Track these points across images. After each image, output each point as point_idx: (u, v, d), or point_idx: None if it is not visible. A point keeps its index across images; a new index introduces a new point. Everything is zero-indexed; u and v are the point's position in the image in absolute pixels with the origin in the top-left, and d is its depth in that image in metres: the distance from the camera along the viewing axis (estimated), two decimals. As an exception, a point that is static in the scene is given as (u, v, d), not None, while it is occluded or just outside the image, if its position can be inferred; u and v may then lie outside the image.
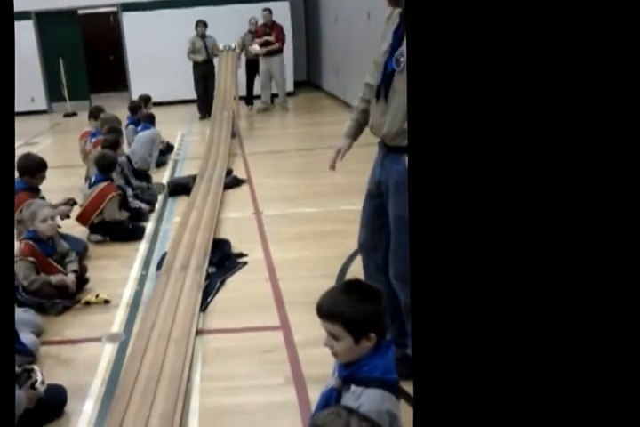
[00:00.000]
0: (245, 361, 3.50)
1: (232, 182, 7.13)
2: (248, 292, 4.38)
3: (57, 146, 10.55)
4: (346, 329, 2.08)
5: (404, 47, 2.52)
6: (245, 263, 4.86)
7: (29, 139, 10.91)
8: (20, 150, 9.81)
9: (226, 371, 3.42)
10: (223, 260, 4.89)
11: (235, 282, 4.58)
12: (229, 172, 7.52)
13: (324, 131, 10.18)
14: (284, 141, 9.93)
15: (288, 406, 3.01)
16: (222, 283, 4.54)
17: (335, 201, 6.25)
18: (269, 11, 11.80)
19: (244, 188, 7.05)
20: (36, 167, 5.13)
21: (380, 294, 2.14)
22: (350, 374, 2.13)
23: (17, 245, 4.41)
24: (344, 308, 2.11)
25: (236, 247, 5.15)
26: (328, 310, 2.12)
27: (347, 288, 2.20)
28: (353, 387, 2.08)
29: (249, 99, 12.35)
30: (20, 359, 3.31)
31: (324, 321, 2.12)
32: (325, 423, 1.64)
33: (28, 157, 5.18)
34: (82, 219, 5.54)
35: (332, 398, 2.15)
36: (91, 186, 5.77)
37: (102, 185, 5.65)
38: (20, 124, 12.39)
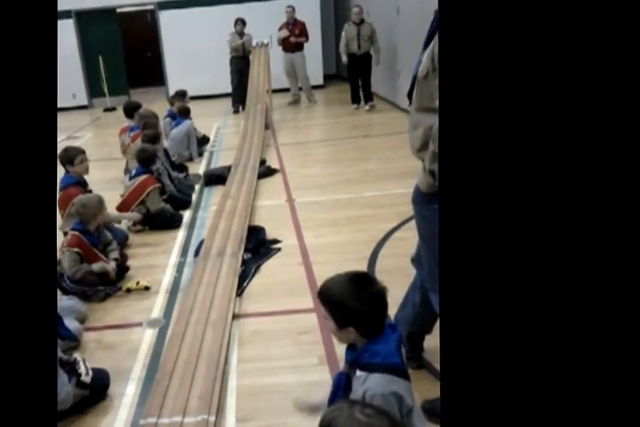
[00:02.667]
0: (280, 343, 3.49)
1: (265, 172, 7.14)
2: (282, 276, 4.38)
3: (97, 140, 10.66)
4: (329, 313, 2.13)
5: (428, 49, 2.37)
6: (279, 249, 4.86)
7: (71, 133, 11.04)
8: (62, 144, 9.97)
9: (262, 352, 3.42)
10: (258, 246, 4.89)
11: (269, 267, 4.58)
12: (263, 162, 7.53)
13: (354, 122, 10.13)
14: (316, 132, 9.91)
15: (322, 384, 2.98)
16: (257, 268, 4.55)
17: (364, 187, 6.23)
18: (293, 8, 11.72)
19: (277, 177, 7.05)
20: (73, 154, 5.15)
21: (377, 296, 2.10)
22: (354, 359, 2.15)
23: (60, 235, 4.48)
24: (332, 294, 2.13)
25: (271, 234, 5.15)
26: (320, 290, 2.18)
27: (349, 279, 2.15)
28: (358, 372, 2.10)
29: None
30: (65, 344, 3.35)
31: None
32: (332, 419, 1.65)
33: (64, 149, 5.21)
34: (122, 209, 5.59)
35: (341, 383, 2.17)
36: (131, 178, 5.84)
37: (142, 177, 5.69)
38: (63, 120, 12.56)
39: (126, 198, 5.61)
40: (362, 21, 10.62)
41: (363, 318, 2.11)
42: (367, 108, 10.98)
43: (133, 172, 5.90)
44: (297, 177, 6.90)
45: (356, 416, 1.60)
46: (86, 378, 2.97)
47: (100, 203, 4.52)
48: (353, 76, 10.98)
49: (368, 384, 2.04)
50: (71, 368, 3.00)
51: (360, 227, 5.14)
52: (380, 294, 2.11)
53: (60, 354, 3.07)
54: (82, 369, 3.00)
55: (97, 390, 3.06)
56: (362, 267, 4.16)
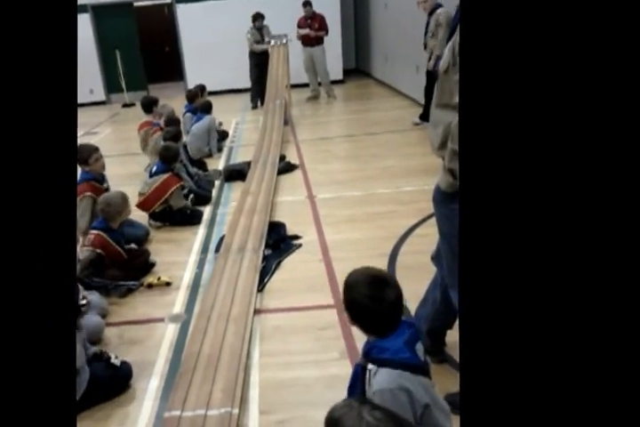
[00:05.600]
0: (301, 338, 3.57)
1: (285, 168, 7.20)
2: (303, 272, 4.46)
3: (116, 135, 10.78)
4: (344, 306, 2.28)
5: (450, 42, 2.39)
6: (300, 245, 4.94)
7: (89, 129, 11.18)
8: (80, 140, 10.09)
9: (283, 347, 3.50)
10: (279, 242, 4.97)
11: (290, 263, 4.66)
12: (282, 157, 7.60)
13: (374, 117, 10.16)
14: (335, 128, 9.95)
15: (343, 377, 3.02)
16: (278, 264, 4.63)
17: (385, 184, 6.29)
18: (310, 5, 11.70)
19: (297, 173, 7.12)
20: (86, 155, 5.19)
21: (389, 300, 2.16)
22: (365, 353, 2.24)
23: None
24: (348, 289, 2.24)
25: (291, 230, 5.23)
26: (344, 281, 2.28)
27: (368, 278, 2.23)
28: (370, 365, 2.17)
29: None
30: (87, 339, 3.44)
31: None
32: (341, 416, 1.69)
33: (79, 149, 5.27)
34: (144, 207, 5.69)
35: (357, 373, 2.25)
36: (152, 175, 5.89)
37: (165, 176, 5.74)
38: (81, 115, 12.67)
39: (148, 197, 5.69)
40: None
41: (369, 317, 2.21)
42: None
43: (153, 169, 5.97)
44: (317, 173, 6.97)
45: (365, 418, 1.63)
46: (116, 361, 3.14)
47: (124, 200, 4.62)
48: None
49: (377, 378, 2.12)
50: (99, 356, 3.13)
51: (380, 223, 5.20)
52: (393, 300, 2.17)
53: (91, 348, 3.21)
54: (110, 354, 3.16)
55: (120, 381, 3.20)
56: (382, 263, 4.23)
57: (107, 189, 5.39)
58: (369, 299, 2.16)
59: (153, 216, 5.72)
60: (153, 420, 2.95)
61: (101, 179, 5.36)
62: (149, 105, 7.82)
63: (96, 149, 5.28)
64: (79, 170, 5.20)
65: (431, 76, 8.13)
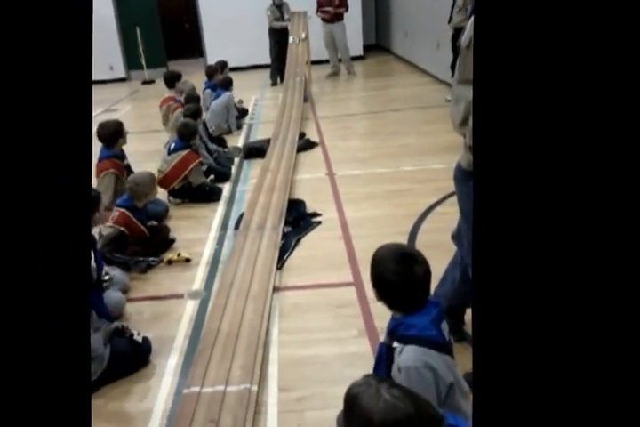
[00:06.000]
0: (320, 316, 3.56)
1: (305, 145, 7.17)
2: (322, 250, 4.44)
3: (136, 112, 10.78)
4: (371, 282, 2.26)
5: (473, 17, 2.32)
6: (319, 222, 4.92)
7: (109, 106, 11.18)
8: (100, 117, 10.10)
9: (302, 325, 3.50)
10: (298, 219, 4.96)
11: (309, 240, 4.65)
12: (302, 135, 7.55)
13: (394, 94, 10.07)
14: (355, 105, 9.88)
15: (362, 355, 3.06)
16: (298, 241, 4.62)
17: (404, 162, 6.24)
18: None
19: (317, 150, 7.07)
20: (110, 136, 5.22)
21: (417, 276, 2.14)
22: (391, 331, 2.22)
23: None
24: (375, 265, 2.23)
25: (311, 207, 5.21)
26: (372, 256, 2.27)
27: (396, 253, 2.22)
28: (395, 343, 2.15)
29: None
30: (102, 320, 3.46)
31: None
32: (359, 393, 1.67)
33: (102, 127, 5.27)
34: (164, 184, 5.65)
35: (382, 353, 2.24)
36: (170, 152, 5.87)
37: (184, 153, 5.73)
38: (100, 92, 12.71)
39: (168, 174, 5.67)
40: None
41: (396, 293, 2.19)
42: None
43: (172, 145, 5.95)
44: (337, 150, 6.93)
45: (383, 395, 1.61)
46: (138, 338, 3.16)
47: (152, 181, 4.64)
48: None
49: (402, 356, 2.10)
50: (121, 331, 3.16)
51: (400, 201, 5.17)
52: (420, 276, 2.15)
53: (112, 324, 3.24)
54: (133, 331, 3.20)
55: (140, 356, 3.23)
56: (402, 242, 4.18)
57: (127, 166, 5.40)
58: (396, 275, 2.14)
59: (172, 193, 5.72)
60: (172, 395, 2.97)
61: (122, 155, 5.37)
62: (172, 80, 7.79)
63: (120, 125, 5.28)
64: (101, 147, 5.22)
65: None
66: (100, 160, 5.17)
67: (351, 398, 1.69)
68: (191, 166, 5.65)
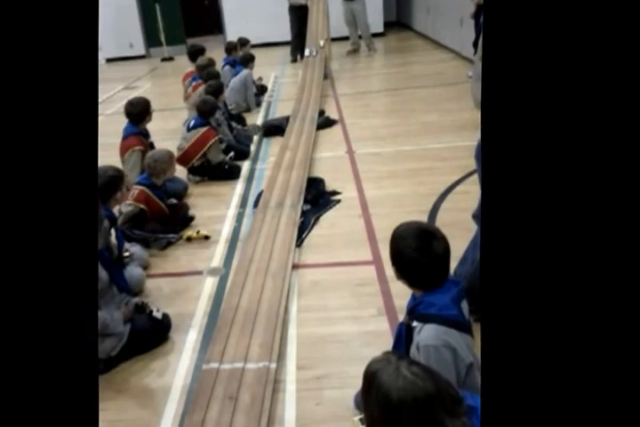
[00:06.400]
0: (339, 294, 3.55)
1: (324, 123, 7.11)
2: (342, 228, 4.42)
3: (156, 90, 10.75)
4: (391, 260, 2.25)
5: None
6: (339, 201, 4.89)
7: (129, 83, 11.17)
8: (120, 94, 10.11)
9: (321, 303, 3.48)
10: (317, 197, 4.93)
11: (329, 219, 4.62)
12: (322, 112, 7.50)
13: (415, 71, 9.96)
14: (375, 82, 9.78)
15: (381, 334, 3.05)
16: (317, 220, 4.59)
17: (425, 139, 6.17)
18: None
19: (337, 128, 7.01)
20: (139, 114, 5.22)
21: (437, 253, 2.12)
22: (410, 310, 2.20)
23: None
24: (395, 242, 2.21)
25: (330, 185, 5.17)
26: (392, 233, 2.26)
27: (416, 231, 2.19)
28: (415, 323, 2.13)
29: None
30: (123, 296, 3.48)
31: None
32: (378, 370, 1.65)
33: (131, 104, 5.27)
34: (182, 162, 5.65)
35: (401, 332, 2.23)
36: (189, 129, 5.86)
37: (202, 130, 5.71)
38: (120, 69, 12.73)
39: (187, 151, 5.66)
40: None
41: (416, 270, 2.16)
42: None
43: (192, 123, 5.93)
44: (356, 128, 6.86)
45: (402, 372, 1.60)
46: (158, 314, 3.17)
47: (171, 158, 4.63)
48: None
49: (422, 335, 2.08)
50: (141, 308, 3.17)
51: (421, 180, 5.12)
52: (440, 253, 2.13)
53: (132, 299, 3.26)
54: (152, 307, 3.22)
55: (160, 332, 3.24)
56: (422, 220, 4.16)
57: (151, 144, 5.40)
58: (416, 251, 2.12)
59: (191, 171, 5.72)
60: (192, 371, 2.98)
61: (146, 133, 5.36)
62: (195, 54, 7.76)
63: (149, 103, 5.29)
64: (126, 122, 5.22)
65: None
66: (125, 137, 5.17)
67: (370, 375, 1.68)
68: (210, 143, 5.63)
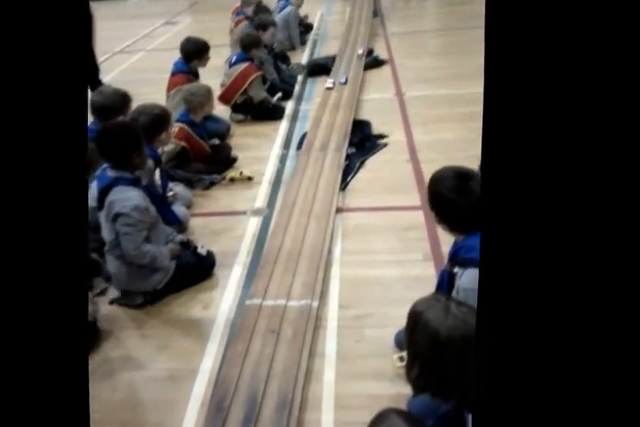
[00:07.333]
0: (385, 238, 3.70)
1: (373, 63, 7.14)
2: (388, 172, 4.54)
3: (196, 26, 10.81)
4: (430, 205, 2.37)
5: None
6: (386, 144, 5.00)
7: (169, 18, 11.24)
8: (160, 29, 10.21)
9: (365, 246, 3.64)
10: (363, 141, 5.03)
11: (375, 163, 4.75)
12: (370, 52, 7.51)
13: (472, 10, 9.79)
14: (428, 21, 9.70)
15: (425, 279, 3.18)
16: (362, 163, 4.72)
17: (479, 83, 6.11)
18: None
19: (386, 69, 7.05)
20: (193, 52, 5.38)
21: (475, 193, 2.20)
22: (452, 256, 2.32)
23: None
24: (434, 182, 2.33)
25: (377, 129, 5.27)
26: (430, 176, 2.38)
27: (453, 173, 2.29)
28: (456, 268, 2.25)
29: None
30: (174, 227, 3.69)
31: None
32: (426, 308, 1.76)
33: (188, 41, 5.40)
34: (224, 99, 5.80)
35: (444, 279, 2.35)
36: (231, 66, 5.95)
37: (244, 65, 5.80)
38: (160, 4, 12.77)
39: (228, 88, 5.79)
40: None
41: (455, 212, 2.28)
42: None
43: (234, 58, 6.02)
44: (407, 69, 6.89)
45: (452, 310, 1.70)
46: (202, 250, 3.38)
47: (208, 92, 4.74)
48: None
49: (462, 279, 2.20)
50: (186, 244, 3.39)
51: (472, 125, 5.15)
52: (478, 193, 2.18)
53: (177, 236, 3.47)
54: (197, 244, 3.43)
55: (205, 268, 3.47)
56: (472, 166, 4.24)
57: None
58: (454, 192, 2.23)
59: (234, 109, 5.84)
60: (235, 306, 3.20)
61: (196, 73, 5.50)
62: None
63: (206, 45, 5.45)
64: (178, 58, 5.35)
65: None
66: (173, 73, 5.31)
67: (417, 314, 1.79)
68: (251, 79, 5.72)
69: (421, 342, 1.76)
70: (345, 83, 6.21)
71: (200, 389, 2.68)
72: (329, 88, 6.17)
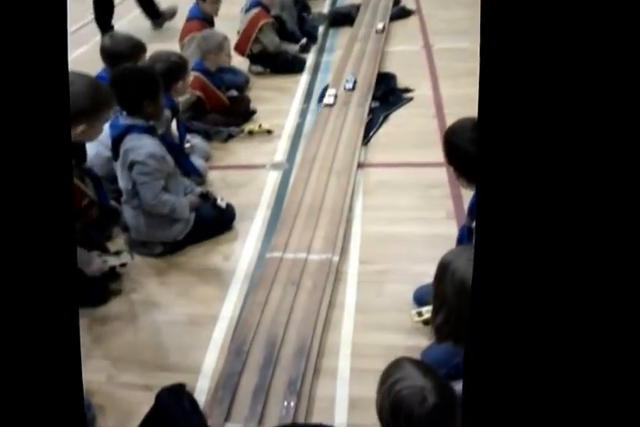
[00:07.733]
0: (407, 194, 3.72)
1: (399, 13, 7.03)
2: (413, 127, 4.53)
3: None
4: (447, 158, 2.40)
5: None
6: (411, 99, 4.97)
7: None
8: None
9: (388, 202, 3.67)
10: (387, 94, 5.00)
11: (399, 117, 4.73)
12: (397, 1, 7.39)
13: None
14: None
15: (448, 237, 3.17)
16: (386, 118, 4.71)
17: (512, 35, 6.09)
18: None
19: (413, 19, 6.96)
20: None
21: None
22: (470, 210, 2.38)
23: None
24: (450, 134, 2.35)
25: (402, 82, 5.23)
26: (445, 133, 2.41)
27: (473, 122, 2.26)
28: (474, 223, 2.26)
29: None
30: (192, 179, 3.73)
31: None
32: (454, 258, 1.82)
33: None
34: (239, 48, 5.74)
35: (464, 235, 2.40)
36: (246, 12, 5.87)
37: (254, 11, 5.72)
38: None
39: (241, 35, 5.73)
40: None
41: (473, 163, 2.24)
42: None
43: (248, 4, 5.93)
44: (435, 20, 6.78)
45: None
46: (221, 203, 3.44)
47: (223, 38, 4.68)
48: None
49: None
50: (205, 196, 3.46)
51: (501, 79, 5.13)
52: None
53: (196, 188, 3.51)
54: (217, 196, 3.50)
55: (225, 221, 3.53)
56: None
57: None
58: (471, 143, 2.21)
59: (252, 60, 5.81)
60: (255, 259, 3.26)
61: (211, 20, 5.46)
62: None
63: None
64: (194, 3, 5.34)
65: None
66: (188, 19, 5.28)
67: (445, 263, 1.86)
68: (260, 25, 5.64)
69: (448, 289, 1.83)
70: (352, 89, 5.13)
71: (220, 334, 2.80)
72: (328, 104, 4.91)
